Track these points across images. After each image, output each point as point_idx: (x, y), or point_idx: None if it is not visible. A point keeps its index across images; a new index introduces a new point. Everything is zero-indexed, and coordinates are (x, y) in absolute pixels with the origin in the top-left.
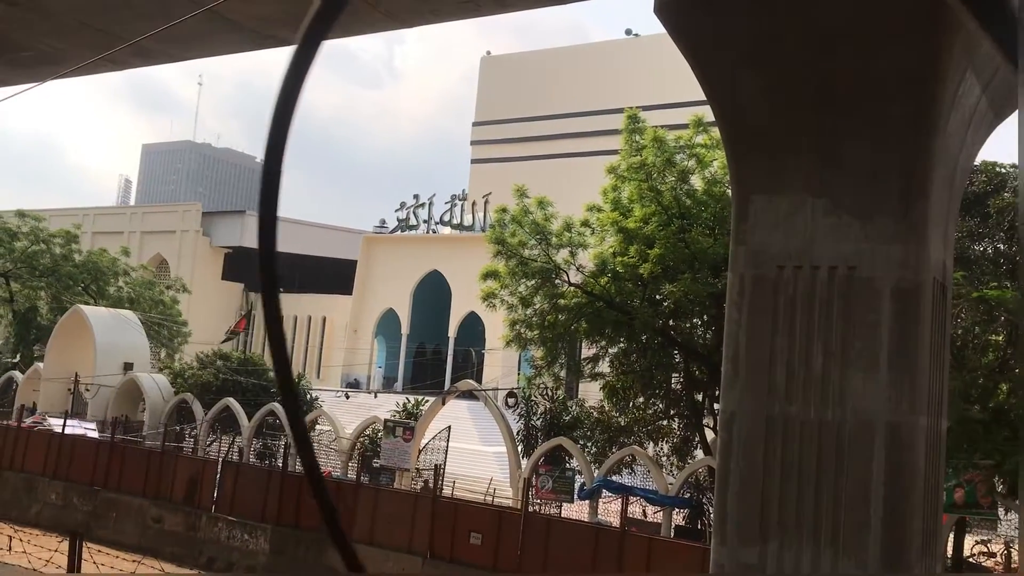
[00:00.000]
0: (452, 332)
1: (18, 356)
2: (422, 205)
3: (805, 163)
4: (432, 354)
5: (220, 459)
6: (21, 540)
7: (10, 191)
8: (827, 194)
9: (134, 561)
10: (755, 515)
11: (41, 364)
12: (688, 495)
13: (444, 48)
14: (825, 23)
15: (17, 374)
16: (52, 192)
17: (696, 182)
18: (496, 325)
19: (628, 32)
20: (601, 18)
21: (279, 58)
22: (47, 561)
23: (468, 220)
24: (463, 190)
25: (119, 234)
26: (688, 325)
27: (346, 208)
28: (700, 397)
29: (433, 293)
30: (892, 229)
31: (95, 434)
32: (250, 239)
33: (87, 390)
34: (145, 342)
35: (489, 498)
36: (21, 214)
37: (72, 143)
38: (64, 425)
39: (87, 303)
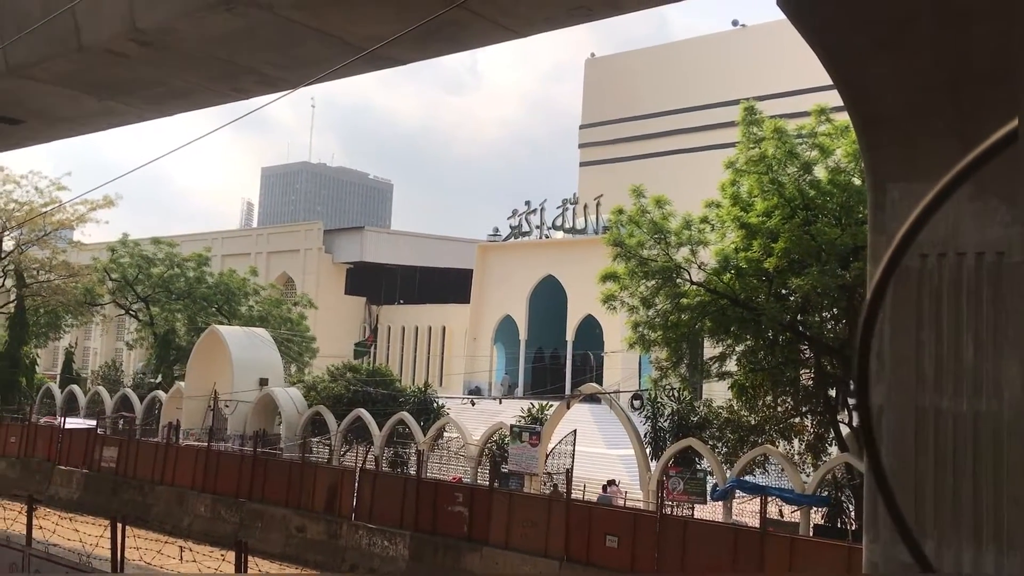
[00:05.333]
0: (570, 336)
1: (160, 376)
2: (534, 211)
3: (943, 146)
4: (551, 359)
5: (357, 468)
6: (191, 551)
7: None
8: (971, 178)
9: (279, 565)
10: (909, 512)
11: (182, 383)
12: (826, 493)
13: (523, 50)
14: (957, 2)
15: (161, 394)
16: (175, 219)
17: (820, 172)
18: (614, 328)
19: (735, 23)
20: (685, 11)
21: (382, 76)
22: (216, 569)
23: (580, 223)
24: (574, 194)
25: (246, 255)
26: (817, 319)
27: (446, 216)
28: (833, 392)
29: (549, 298)
30: None
31: (101, 430)
32: (370, 254)
33: (226, 406)
34: (278, 358)
35: (620, 501)
36: (156, 241)
37: (187, 171)
38: (64, 421)
39: (221, 323)
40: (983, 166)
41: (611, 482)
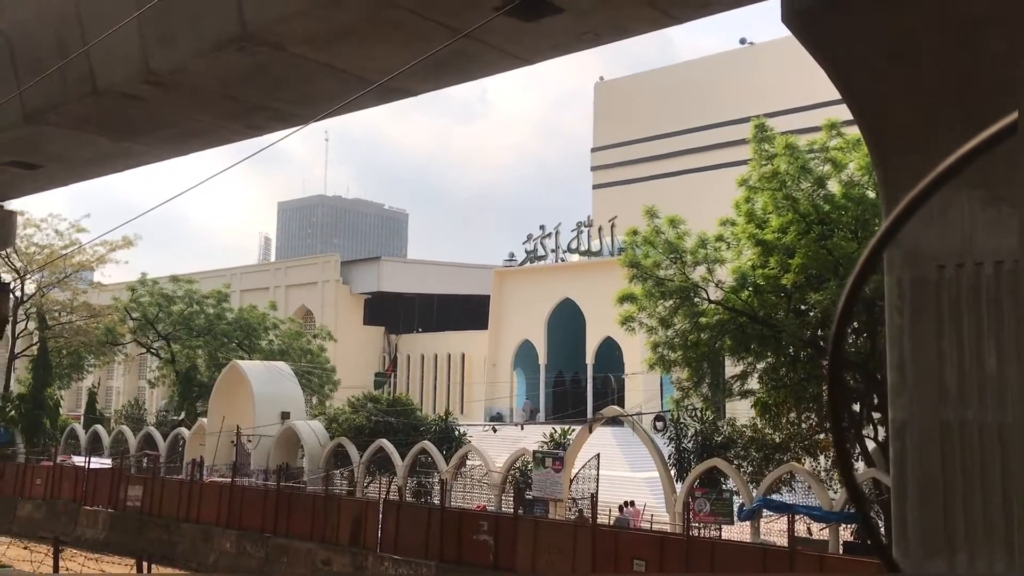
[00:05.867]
0: (590, 359)
1: (183, 413)
2: (548, 235)
3: None
4: (571, 383)
5: (381, 499)
6: None
7: (170, 258)
8: (983, 185)
9: None
10: (938, 525)
11: (205, 419)
12: (854, 510)
13: (532, 76)
14: (965, 10)
15: (184, 430)
16: (193, 256)
17: (833, 186)
18: (634, 349)
19: (742, 41)
20: (688, 30)
21: (393, 108)
22: None
23: (596, 246)
24: (588, 216)
25: (265, 290)
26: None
27: (461, 243)
28: (857, 407)
29: (567, 321)
30: None
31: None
32: (387, 284)
33: (249, 441)
34: (299, 391)
35: (646, 524)
36: (175, 279)
37: (204, 208)
38: (88, 461)
39: (241, 358)
40: (981, 156)
41: (628, 503)
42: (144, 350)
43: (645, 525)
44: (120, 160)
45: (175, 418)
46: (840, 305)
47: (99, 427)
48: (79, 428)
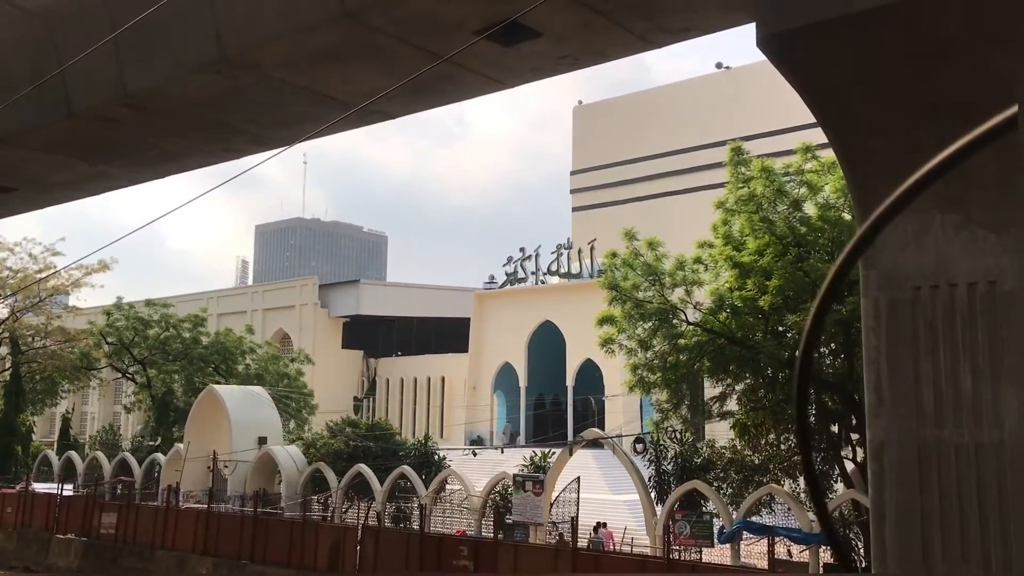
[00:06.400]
0: (570, 381)
1: (159, 439)
2: (528, 257)
3: None
4: (552, 405)
5: (360, 525)
6: None
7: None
8: (957, 209)
9: None
10: (917, 546)
11: (181, 445)
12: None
13: (510, 98)
14: (934, 35)
15: (160, 456)
16: (170, 279)
17: (809, 209)
18: (614, 371)
19: (719, 66)
20: (663, 53)
21: (370, 130)
22: None
23: (575, 268)
24: (568, 239)
25: (242, 313)
26: (816, 355)
27: (441, 266)
28: (835, 428)
29: (547, 344)
30: None
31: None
32: (366, 307)
33: (226, 466)
34: (276, 415)
35: (626, 547)
36: (150, 303)
37: (180, 231)
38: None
39: (218, 383)
40: (979, 151)
41: (601, 524)
42: (119, 375)
43: (626, 548)
44: (97, 183)
45: (151, 444)
46: (813, 307)
47: (73, 453)
48: (52, 455)
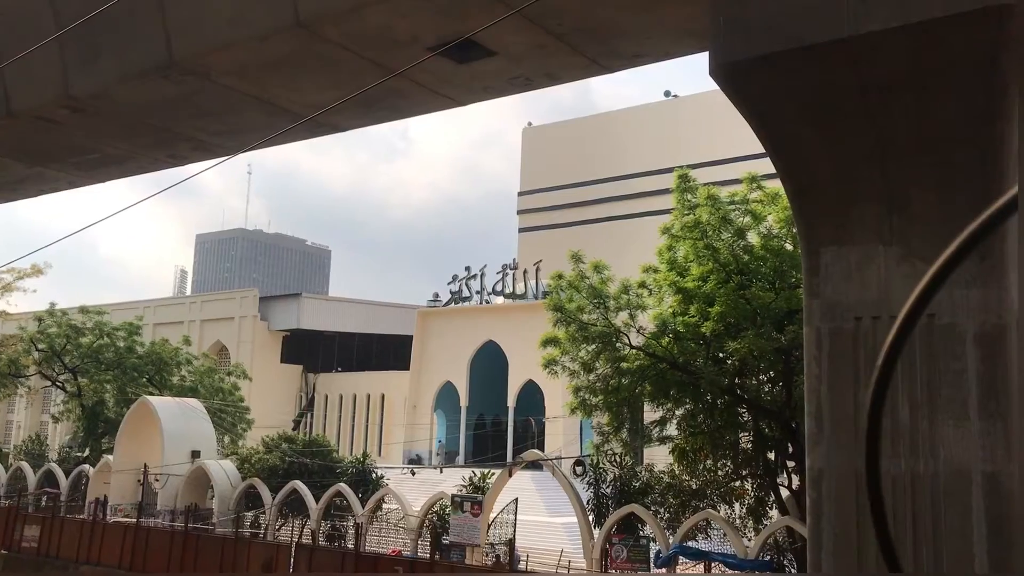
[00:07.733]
0: (511, 402)
1: (87, 450)
2: (474, 276)
3: (872, 213)
4: (492, 425)
5: (293, 543)
6: None
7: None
8: (898, 242)
9: None
10: (853, 574)
11: (111, 457)
12: (768, 557)
13: (453, 116)
14: (882, 74)
15: (88, 468)
16: (105, 287)
17: (752, 238)
18: (555, 393)
19: (667, 94)
20: (606, 83)
21: (311, 141)
22: None
23: (520, 289)
24: (514, 259)
25: (179, 324)
26: (755, 382)
27: (384, 281)
28: (772, 455)
29: (490, 364)
30: (970, 273)
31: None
32: (306, 321)
33: (156, 480)
34: (211, 429)
35: (563, 571)
36: (84, 310)
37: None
38: None
39: (152, 394)
40: (986, 237)
41: (509, 541)
42: (49, 383)
43: (562, 572)
44: (33, 185)
45: (79, 455)
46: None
47: None
48: None
